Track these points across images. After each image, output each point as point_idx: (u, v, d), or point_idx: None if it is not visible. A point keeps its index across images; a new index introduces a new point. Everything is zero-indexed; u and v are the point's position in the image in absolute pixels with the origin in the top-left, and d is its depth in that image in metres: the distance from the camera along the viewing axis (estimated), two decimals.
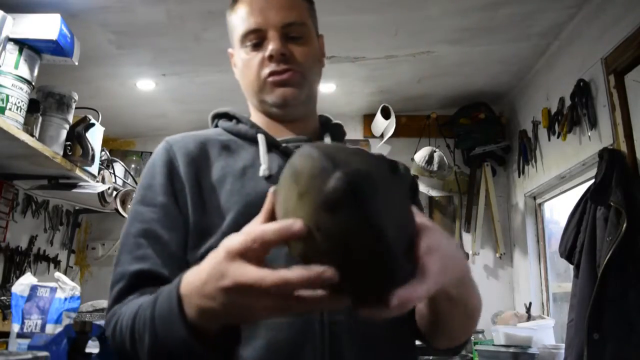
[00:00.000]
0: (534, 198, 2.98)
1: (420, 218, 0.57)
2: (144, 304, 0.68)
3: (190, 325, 0.59)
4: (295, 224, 0.49)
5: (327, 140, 0.96)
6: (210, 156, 0.89)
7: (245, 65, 0.92)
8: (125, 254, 0.80)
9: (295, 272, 0.48)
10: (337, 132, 1.01)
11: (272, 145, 0.91)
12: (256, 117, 0.98)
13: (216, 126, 0.99)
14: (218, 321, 0.58)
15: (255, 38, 0.90)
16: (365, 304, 0.51)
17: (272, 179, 0.85)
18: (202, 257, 0.76)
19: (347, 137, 1.06)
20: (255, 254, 0.51)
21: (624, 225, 1.70)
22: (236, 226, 0.75)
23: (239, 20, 0.92)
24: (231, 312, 0.54)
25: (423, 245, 0.53)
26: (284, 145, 0.91)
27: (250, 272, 0.50)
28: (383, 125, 3.14)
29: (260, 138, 0.91)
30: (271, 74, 0.89)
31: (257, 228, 0.51)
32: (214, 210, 0.82)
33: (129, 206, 2.84)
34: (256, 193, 0.83)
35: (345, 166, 0.49)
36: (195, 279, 0.59)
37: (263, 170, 0.86)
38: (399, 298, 0.49)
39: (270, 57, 0.88)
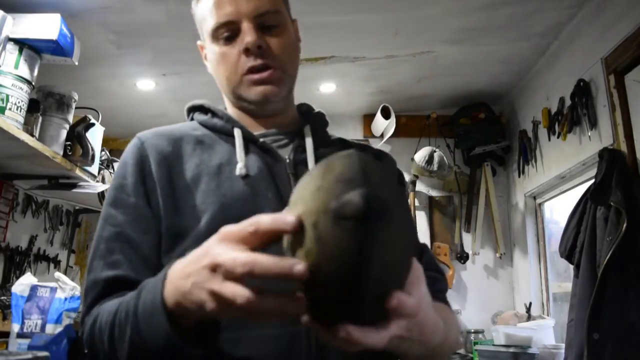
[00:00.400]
0: (534, 198, 2.98)
1: (417, 274, 0.55)
2: (125, 298, 0.66)
3: (170, 314, 0.58)
4: (289, 217, 0.49)
5: (307, 131, 0.91)
6: (184, 153, 0.85)
7: (219, 60, 0.87)
8: (97, 259, 0.78)
9: (268, 258, 0.48)
10: (318, 122, 0.96)
11: (250, 141, 0.86)
12: (232, 111, 0.93)
13: (192, 119, 0.94)
14: (188, 307, 0.56)
15: (228, 31, 0.84)
16: (317, 320, 0.51)
17: (249, 178, 0.81)
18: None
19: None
20: (248, 240, 0.51)
21: (624, 225, 1.70)
22: (211, 229, 0.73)
23: (207, 11, 0.86)
24: (198, 295, 0.53)
25: (397, 301, 0.51)
26: (261, 140, 0.87)
27: (228, 252, 0.50)
28: (383, 125, 3.14)
29: (237, 133, 0.86)
30: (250, 70, 0.84)
31: (254, 217, 0.51)
32: (189, 212, 0.79)
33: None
34: (232, 194, 0.79)
35: (374, 189, 0.49)
36: (181, 261, 0.58)
37: (239, 168, 0.82)
38: (347, 334, 0.48)
39: (247, 51, 0.83)
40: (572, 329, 1.93)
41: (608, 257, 1.73)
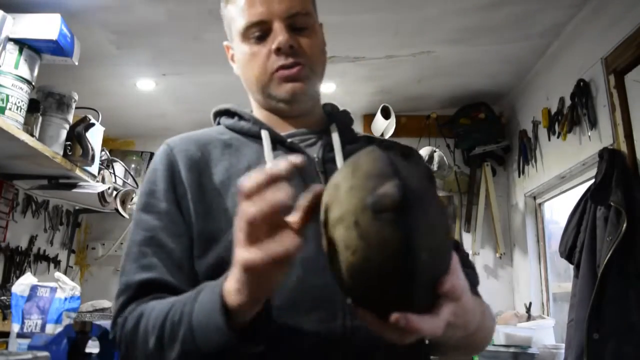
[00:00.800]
0: (534, 198, 2.98)
1: (456, 263, 0.56)
2: (177, 303, 0.66)
3: (228, 315, 0.58)
4: (283, 162, 0.52)
5: (334, 129, 0.92)
6: (213, 158, 0.86)
7: (249, 59, 0.88)
8: (130, 262, 0.79)
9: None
10: (344, 120, 0.98)
11: (277, 142, 0.87)
12: (259, 113, 0.94)
13: (219, 124, 0.96)
14: (248, 291, 0.56)
15: (259, 31, 0.86)
16: (366, 308, 0.52)
17: None
18: (211, 266, 0.76)
19: None
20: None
21: (624, 225, 1.70)
22: None
23: (238, 11, 0.87)
24: (245, 264, 0.53)
25: (449, 286, 0.53)
26: (289, 140, 0.88)
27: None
28: (383, 125, 3.14)
29: (264, 134, 0.87)
30: (279, 68, 0.85)
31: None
32: (220, 216, 0.79)
33: (129, 206, 2.84)
34: None
35: (406, 179, 0.50)
36: None
37: None
38: (407, 322, 0.49)
39: (278, 50, 0.84)
40: (572, 329, 1.92)
41: (608, 257, 1.73)
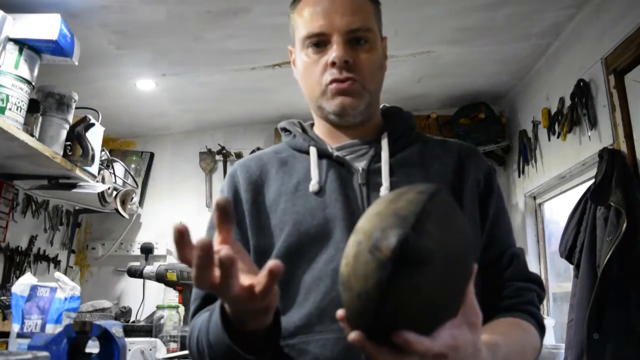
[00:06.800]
0: (534, 198, 2.98)
1: (458, 322, 0.57)
2: (205, 316, 0.79)
3: (228, 325, 0.68)
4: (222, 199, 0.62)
5: (384, 140, 0.94)
6: (270, 177, 0.93)
7: (307, 69, 0.92)
8: None
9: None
10: (399, 127, 0.99)
11: (324, 156, 0.92)
12: (317, 121, 1.00)
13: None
14: (232, 311, 0.66)
15: (318, 41, 0.89)
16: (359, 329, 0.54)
17: (321, 192, 0.88)
18: None
19: None
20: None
21: (624, 225, 1.70)
22: (288, 245, 0.85)
23: (302, 20, 0.91)
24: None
25: (401, 340, 0.53)
26: (336, 154, 0.92)
27: None
28: None
29: (312, 151, 0.92)
30: (333, 81, 0.88)
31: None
32: (270, 231, 0.88)
33: (129, 207, 2.84)
34: (305, 210, 0.86)
35: (419, 236, 0.51)
36: None
37: (312, 185, 0.88)
38: (358, 342, 0.53)
39: (333, 64, 0.88)
40: (572, 329, 1.92)
41: (608, 257, 1.73)
